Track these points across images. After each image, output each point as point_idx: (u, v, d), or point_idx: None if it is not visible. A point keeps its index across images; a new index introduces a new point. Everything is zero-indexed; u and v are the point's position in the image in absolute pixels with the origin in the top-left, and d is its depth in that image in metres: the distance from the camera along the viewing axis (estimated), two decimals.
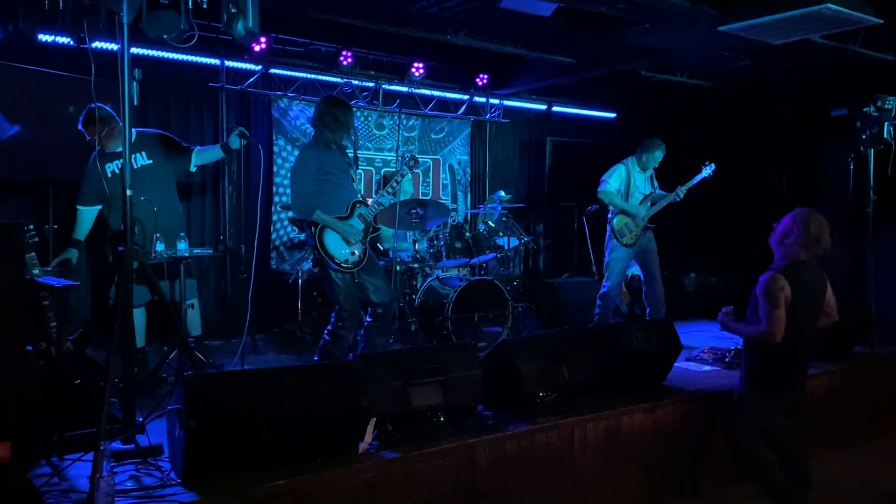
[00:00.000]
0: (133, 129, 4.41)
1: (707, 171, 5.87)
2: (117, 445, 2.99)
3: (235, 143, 4.44)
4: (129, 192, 2.89)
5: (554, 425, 3.48)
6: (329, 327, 4.12)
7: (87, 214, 4.51)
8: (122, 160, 4.28)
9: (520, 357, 3.58)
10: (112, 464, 2.90)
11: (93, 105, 4.22)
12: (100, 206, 4.53)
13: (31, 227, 3.57)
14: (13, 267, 2.06)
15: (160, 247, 4.18)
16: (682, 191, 5.85)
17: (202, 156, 4.63)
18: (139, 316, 4.49)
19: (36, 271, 3.53)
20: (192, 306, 4.65)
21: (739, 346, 5.01)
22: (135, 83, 2.88)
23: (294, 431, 2.84)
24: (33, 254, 3.55)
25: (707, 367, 4.88)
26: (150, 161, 4.49)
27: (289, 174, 6.40)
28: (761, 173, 7.99)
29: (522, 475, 3.35)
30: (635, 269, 6.31)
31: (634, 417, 3.78)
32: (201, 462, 2.70)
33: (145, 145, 4.51)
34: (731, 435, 3.72)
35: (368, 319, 4.28)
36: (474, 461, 3.20)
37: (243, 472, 2.72)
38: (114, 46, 2.96)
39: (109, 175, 4.36)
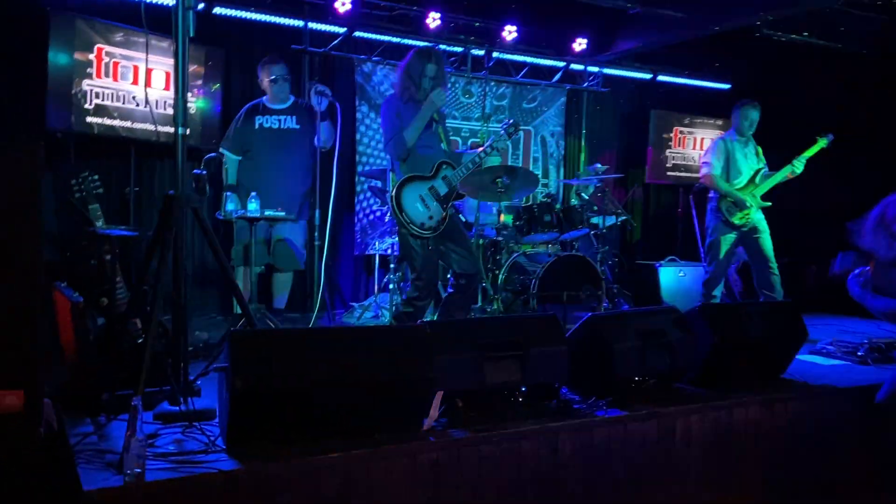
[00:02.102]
0: (292, 97, 4.68)
1: (824, 141, 5.20)
2: (166, 407, 2.78)
3: (315, 102, 4.26)
4: (182, 131, 2.62)
5: (652, 414, 3.01)
6: (403, 296, 3.80)
7: (231, 161, 4.54)
8: (280, 116, 4.52)
9: (613, 334, 3.11)
10: (158, 425, 2.71)
11: (267, 56, 4.62)
12: (239, 158, 4.57)
13: (97, 176, 3.43)
14: (23, 194, 1.81)
15: (230, 206, 3.98)
16: (799, 163, 5.18)
17: (318, 136, 4.52)
18: (244, 277, 4.41)
19: (100, 223, 3.38)
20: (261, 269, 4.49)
21: (874, 340, 4.37)
22: (190, 13, 2.60)
23: (350, 400, 2.52)
24: (97, 205, 3.42)
25: (835, 361, 4.24)
26: (298, 126, 4.58)
27: (371, 142, 6.17)
28: None
29: (612, 468, 2.90)
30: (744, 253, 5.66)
31: (749, 411, 3.24)
32: (246, 427, 2.42)
33: (298, 112, 4.63)
34: (878, 442, 3.12)
35: (450, 290, 3.93)
36: (556, 448, 2.78)
37: (292, 441, 2.43)
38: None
39: (256, 127, 4.54)
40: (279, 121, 4.55)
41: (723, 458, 3.15)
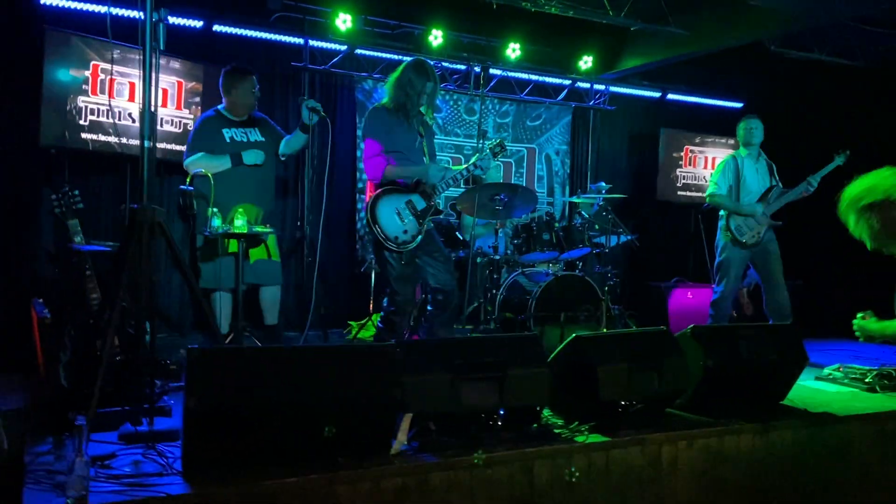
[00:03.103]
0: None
1: (841, 158, 5.09)
2: (129, 427, 2.72)
3: (306, 116, 4.13)
4: (147, 144, 2.59)
5: (636, 440, 2.87)
6: (382, 313, 3.72)
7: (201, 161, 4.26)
8: (244, 129, 4.29)
9: (598, 356, 2.99)
10: (120, 446, 2.64)
11: (236, 65, 4.36)
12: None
13: (77, 192, 3.41)
14: None
15: (216, 222, 3.93)
16: (814, 180, 5.08)
17: (289, 144, 4.38)
18: (226, 302, 4.28)
19: (77, 239, 3.35)
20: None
21: (886, 366, 4.18)
22: (161, 25, 2.58)
23: (313, 421, 2.43)
24: (76, 220, 3.39)
25: (841, 388, 4.05)
26: (263, 139, 4.41)
27: None
28: None
29: (592, 498, 2.76)
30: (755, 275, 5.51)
31: (741, 439, 3.08)
32: (203, 449, 2.34)
33: (259, 124, 4.45)
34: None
35: (429, 307, 3.84)
36: (533, 475, 2.66)
37: (251, 464, 2.34)
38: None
39: (228, 140, 4.31)
40: (245, 133, 4.37)
41: (713, 489, 2.99)
